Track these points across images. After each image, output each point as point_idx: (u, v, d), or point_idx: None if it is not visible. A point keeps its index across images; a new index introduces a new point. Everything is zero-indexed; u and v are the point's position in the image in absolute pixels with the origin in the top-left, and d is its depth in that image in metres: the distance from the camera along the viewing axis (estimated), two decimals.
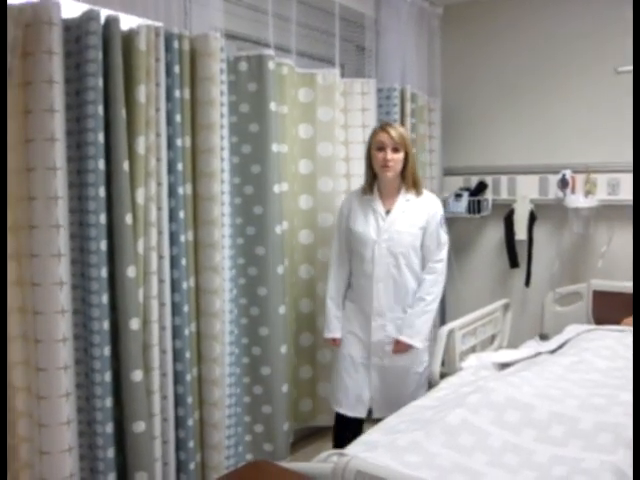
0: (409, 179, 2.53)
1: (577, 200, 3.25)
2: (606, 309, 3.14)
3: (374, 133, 2.53)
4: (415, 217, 2.53)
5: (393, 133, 2.45)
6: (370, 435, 1.95)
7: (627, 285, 3.08)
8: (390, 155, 2.45)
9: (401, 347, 2.54)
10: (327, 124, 2.88)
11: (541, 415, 1.98)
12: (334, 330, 2.62)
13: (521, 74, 3.52)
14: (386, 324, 2.54)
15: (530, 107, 3.51)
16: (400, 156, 2.47)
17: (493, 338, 3.15)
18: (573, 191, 3.29)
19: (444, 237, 2.59)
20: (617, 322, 3.00)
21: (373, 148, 2.50)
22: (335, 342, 2.64)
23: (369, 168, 2.56)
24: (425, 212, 2.54)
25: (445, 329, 2.70)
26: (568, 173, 3.29)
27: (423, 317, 2.53)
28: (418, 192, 2.55)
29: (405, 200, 2.53)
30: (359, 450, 1.75)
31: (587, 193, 3.25)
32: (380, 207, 2.54)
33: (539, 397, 2.07)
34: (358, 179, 3.10)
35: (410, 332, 2.51)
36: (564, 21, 3.37)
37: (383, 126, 2.51)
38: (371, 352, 2.58)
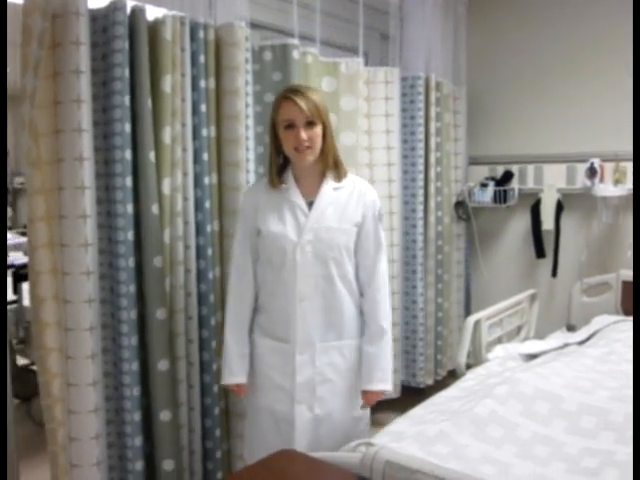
0: (329, 160, 1.90)
1: (606, 189, 3.19)
2: None
3: (278, 104, 1.86)
4: (348, 209, 1.91)
5: (303, 104, 1.79)
6: (397, 425, 1.94)
7: None
8: (304, 133, 1.81)
9: (375, 397, 1.95)
10: (350, 113, 2.85)
11: (571, 406, 1.95)
12: (237, 373, 1.94)
13: (548, 61, 3.46)
14: (316, 358, 1.90)
15: (557, 94, 3.45)
16: (318, 130, 1.84)
17: (519, 329, 3.12)
18: (602, 180, 3.23)
19: (383, 236, 1.96)
20: None
21: (279, 126, 1.85)
22: (239, 389, 1.98)
23: (276, 152, 1.91)
24: (360, 203, 1.92)
25: (471, 319, 2.68)
26: (597, 162, 3.23)
27: (389, 351, 1.94)
28: (340, 176, 1.93)
29: (332, 188, 1.91)
30: (387, 440, 1.74)
31: (616, 182, 3.19)
32: (300, 199, 1.90)
33: (569, 388, 2.05)
34: (381, 168, 3.10)
35: (382, 376, 1.91)
36: (594, 7, 3.29)
37: (288, 94, 1.83)
38: (295, 400, 1.89)
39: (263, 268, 1.94)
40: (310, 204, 1.90)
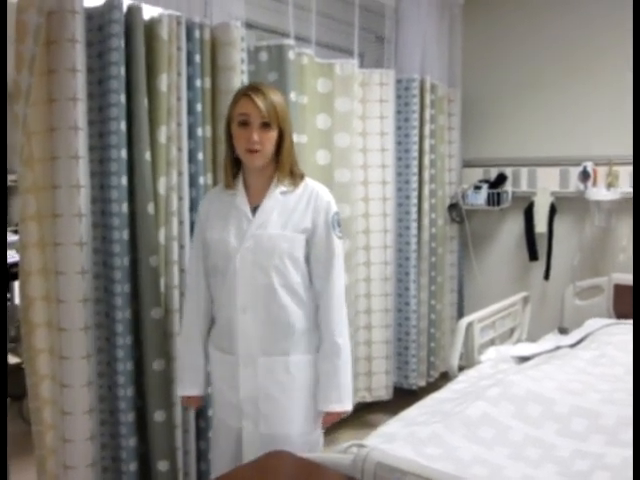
0: (285, 167, 1.77)
1: (599, 193, 3.21)
2: (627, 303, 3.10)
3: (236, 100, 1.75)
4: (295, 215, 1.77)
5: (260, 102, 1.68)
6: (389, 426, 1.95)
7: None
8: (257, 134, 1.70)
9: (334, 418, 1.83)
10: (345, 115, 2.86)
11: (562, 409, 1.97)
12: (189, 385, 1.88)
13: (543, 65, 3.48)
14: (259, 373, 1.78)
15: (551, 98, 3.47)
16: (272, 135, 1.72)
17: (512, 331, 3.13)
18: (595, 183, 3.25)
19: (337, 244, 1.79)
20: None
21: (234, 123, 1.74)
22: (192, 401, 1.93)
23: (230, 151, 1.80)
24: (309, 208, 1.78)
25: (464, 322, 2.69)
26: (590, 165, 3.25)
27: (346, 369, 1.80)
28: (296, 183, 1.80)
29: (279, 192, 1.78)
30: (378, 441, 1.75)
31: (609, 185, 3.21)
32: (244, 204, 1.78)
33: (560, 391, 2.06)
34: (375, 170, 3.11)
35: (338, 395, 1.78)
36: (587, 11, 3.31)
37: (248, 92, 1.72)
38: (243, 415, 1.80)
39: (213, 278, 1.85)
40: (255, 209, 1.78)
